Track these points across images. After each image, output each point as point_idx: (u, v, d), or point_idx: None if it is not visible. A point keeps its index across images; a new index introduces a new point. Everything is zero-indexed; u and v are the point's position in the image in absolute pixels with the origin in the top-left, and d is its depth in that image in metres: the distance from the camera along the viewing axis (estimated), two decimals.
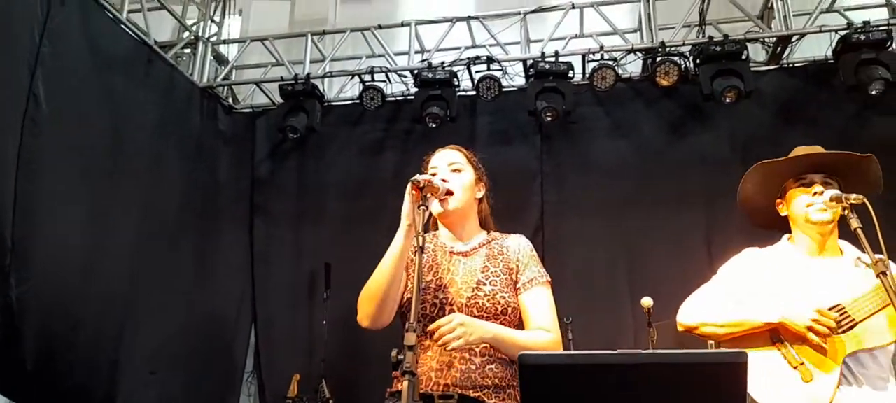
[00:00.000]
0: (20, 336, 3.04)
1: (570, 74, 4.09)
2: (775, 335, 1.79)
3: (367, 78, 4.37)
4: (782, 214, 1.98)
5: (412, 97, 4.36)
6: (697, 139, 4.24)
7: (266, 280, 4.56)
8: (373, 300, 1.65)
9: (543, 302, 1.72)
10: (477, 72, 4.27)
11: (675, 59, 3.98)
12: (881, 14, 4.14)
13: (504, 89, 4.22)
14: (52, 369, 3.22)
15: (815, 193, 1.86)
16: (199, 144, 4.48)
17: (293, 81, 4.38)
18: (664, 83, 3.99)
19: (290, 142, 4.65)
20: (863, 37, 3.76)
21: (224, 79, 4.76)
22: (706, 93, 3.89)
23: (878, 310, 1.70)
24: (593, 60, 4.16)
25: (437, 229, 1.87)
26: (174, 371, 4.00)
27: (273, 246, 4.62)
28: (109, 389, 3.60)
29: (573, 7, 4.39)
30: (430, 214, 1.66)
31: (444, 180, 1.75)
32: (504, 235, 1.87)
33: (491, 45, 4.42)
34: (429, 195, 1.62)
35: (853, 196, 1.68)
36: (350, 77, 4.62)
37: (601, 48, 4.17)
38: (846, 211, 1.69)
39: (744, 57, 3.91)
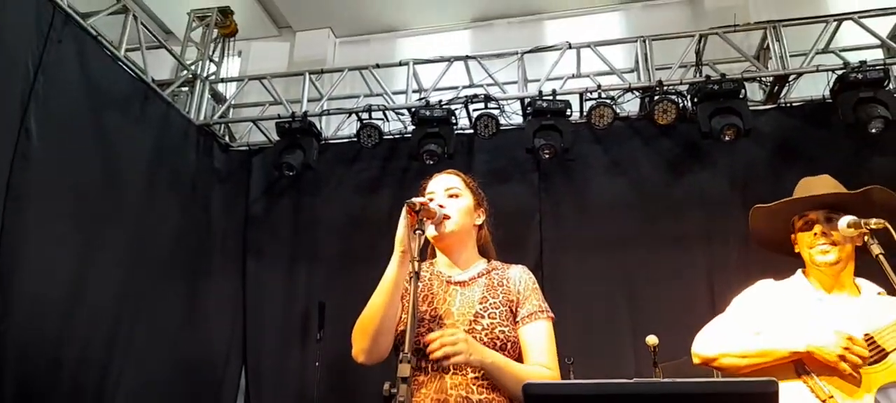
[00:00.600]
0: None
1: (568, 112, 4.08)
2: (800, 366, 1.66)
3: (365, 116, 4.36)
4: (796, 249, 1.90)
5: (409, 135, 4.34)
6: (696, 178, 4.21)
7: (258, 320, 4.45)
8: (366, 333, 1.56)
9: (543, 338, 1.62)
10: (474, 110, 4.26)
11: (673, 97, 3.97)
12: (876, 54, 4.17)
13: (501, 127, 4.20)
14: (34, 399, 3.09)
15: (815, 235, 1.79)
16: (194, 182, 4.42)
17: (290, 119, 4.36)
18: (662, 121, 3.97)
19: (285, 181, 4.61)
20: (860, 76, 3.77)
21: (221, 117, 4.73)
22: (704, 132, 3.87)
23: None
24: (591, 99, 4.16)
25: (434, 257, 1.80)
26: None
27: (266, 285, 4.53)
28: None
29: (570, 47, 4.42)
30: (427, 240, 1.59)
31: (440, 205, 1.68)
32: (505, 265, 1.78)
33: (488, 85, 4.42)
34: (424, 219, 1.56)
35: (874, 221, 1.58)
36: (347, 115, 4.61)
37: (598, 87, 4.17)
38: (867, 238, 1.58)
39: (741, 95, 3.91)
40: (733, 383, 1.02)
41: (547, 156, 3.98)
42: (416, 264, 1.38)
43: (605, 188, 4.29)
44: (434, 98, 4.35)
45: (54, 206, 3.31)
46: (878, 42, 4.13)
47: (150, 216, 3.95)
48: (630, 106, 4.35)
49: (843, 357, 1.56)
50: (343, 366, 3.78)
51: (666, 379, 1.04)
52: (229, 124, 4.92)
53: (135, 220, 3.83)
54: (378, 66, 4.63)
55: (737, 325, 1.81)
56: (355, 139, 4.38)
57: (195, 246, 4.33)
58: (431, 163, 4.07)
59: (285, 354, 4.29)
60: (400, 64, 4.62)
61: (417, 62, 4.59)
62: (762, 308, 1.81)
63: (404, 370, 1.09)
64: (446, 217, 1.67)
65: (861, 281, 1.81)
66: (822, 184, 1.88)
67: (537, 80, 4.34)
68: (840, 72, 3.89)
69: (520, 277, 1.72)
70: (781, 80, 4.14)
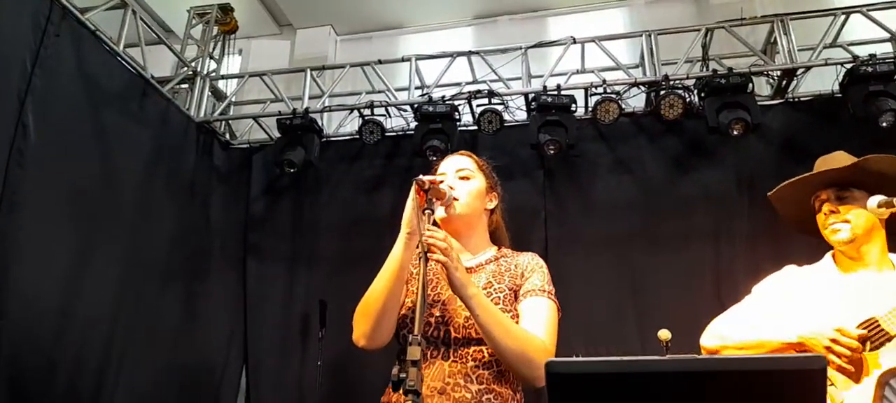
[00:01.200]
0: None
1: (573, 108, 4.01)
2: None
3: (367, 112, 4.30)
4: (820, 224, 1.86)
5: (412, 132, 4.28)
6: (702, 175, 4.14)
7: (258, 321, 4.39)
8: (369, 316, 1.50)
9: (540, 312, 1.53)
10: (478, 105, 4.20)
11: (680, 91, 3.91)
12: (885, 48, 4.11)
13: (505, 124, 4.15)
14: None
15: (825, 214, 1.76)
16: (193, 180, 4.36)
17: (291, 116, 4.31)
18: (669, 116, 3.91)
19: (286, 179, 4.55)
20: (870, 69, 3.70)
21: (221, 114, 4.68)
22: (712, 126, 3.81)
23: None
24: (596, 94, 4.10)
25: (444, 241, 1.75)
26: None
27: (266, 285, 4.46)
28: None
29: (574, 42, 4.36)
30: (435, 222, 1.54)
31: (451, 187, 1.63)
32: (516, 253, 1.71)
33: (492, 81, 4.36)
34: (433, 199, 1.50)
35: None
36: (349, 112, 4.55)
37: (603, 82, 4.11)
38: None
39: (749, 89, 3.85)
40: (777, 359, 0.95)
41: (552, 151, 3.92)
42: (424, 244, 1.34)
43: (611, 185, 4.23)
44: (437, 94, 4.30)
45: (51, 203, 3.24)
46: (887, 35, 4.07)
47: (148, 214, 3.89)
48: (635, 101, 4.29)
49: (829, 349, 1.53)
50: (345, 365, 3.72)
51: (703, 356, 0.98)
52: (230, 121, 4.87)
53: (133, 218, 3.77)
54: (380, 62, 4.57)
55: (742, 315, 1.78)
56: (357, 136, 4.32)
57: (194, 244, 4.26)
58: (434, 159, 4.01)
59: (286, 354, 4.23)
60: (402, 60, 4.56)
61: (420, 58, 4.53)
62: (778, 294, 1.78)
63: (414, 352, 1.03)
64: (455, 198, 1.62)
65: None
66: (835, 161, 1.82)
67: (541, 76, 4.28)
68: (849, 65, 3.83)
69: (528, 262, 1.66)
70: (789, 75, 4.08)
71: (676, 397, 0.84)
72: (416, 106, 4.22)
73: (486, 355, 1.49)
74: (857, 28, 4.22)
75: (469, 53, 4.52)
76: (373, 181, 4.52)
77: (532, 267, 1.63)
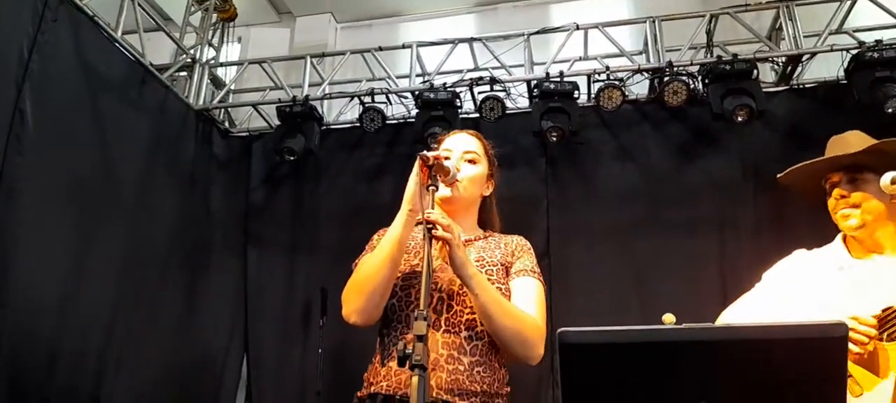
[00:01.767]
0: None
1: (576, 95, 3.98)
2: None
3: (367, 99, 4.26)
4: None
5: (413, 120, 4.25)
6: (707, 162, 4.11)
7: (259, 310, 4.37)
8: (363, 292, 1.48)
9: (531, 292, 1.56)
10: (480, 92, 4.16)
11: (684, 78, 3.87)
12: (891, 34, 4.06)
13: (507, 111, 4.11)
14: (29, 398, 3.00)
15: (835, 199, 1.71)
16: (193, 169, 4.33)
17: (291, 103, 4.27)
18: (673, 103, 3.87)
19: (286, 167, 4.52)
20: (876, 55, 3.66)
21: (221, 101, 4.64)
22: (716, 113, 3.77)
23: None
24: (599, 80, 4.06)
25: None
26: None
27: (267, 274, 4.44)
28: None
29: (577, 28, 4.31)
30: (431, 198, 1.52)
31: (457, 168, 1.61)
32: (503, 235, 1.74)
33: (494, 68, 4.32)
34: (437, 175, 1.48)
35: None
36: (349, 99, 4.51)
37: (607, 69, 4.07)
38: None
39: (754, 76, 3.81)
40: (796, 327, 0.92)
41: (554, 138, 3.88)
42: (427, 221, 1.33)
43: (614, 174, 4.19)
44: (438, 81, 4.26)
45: (49, 192, 3.21)
46: (893, 21, 4.01)
47: (148, 202, 3.86)
48: (639, 88, 4.24)
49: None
50: (346, 353, 3.70)
51: (721, 325, 0.96)
52: (229, 109, 4.83)
53: (133, 207, 3.74)
54: (380, 48, 4.52)
55: (754, 303, 1.74)
56: (358, 124, 4.29)
57: (195, 233, 4.24)
58: (435, 146, 3.97)
59: (287, 342, 4.21)
60: (403, 46, 4.52)
61: (421, 45, 4.49)
62: (787, 281, 1.74)
63: (420, 327, 1.01)
64: (458, 180, 1.60)
65: None
66: (847, 142, 1.77)
67: (543, 63, 4.23)
68: (855, 51, 3.79)
69: (518, 242, 1.69)
70: (794, 61, 4.04)
71: (690, 367, 0.82)
72: (417, 93, 4.18)
73: (478, 328, 1.50)
74: (863, 14, 4.16)
75: (470, 40, 4.47)
76: (373, 169, 4.48)
77: (522, 249, 1.67)
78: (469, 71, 4.42)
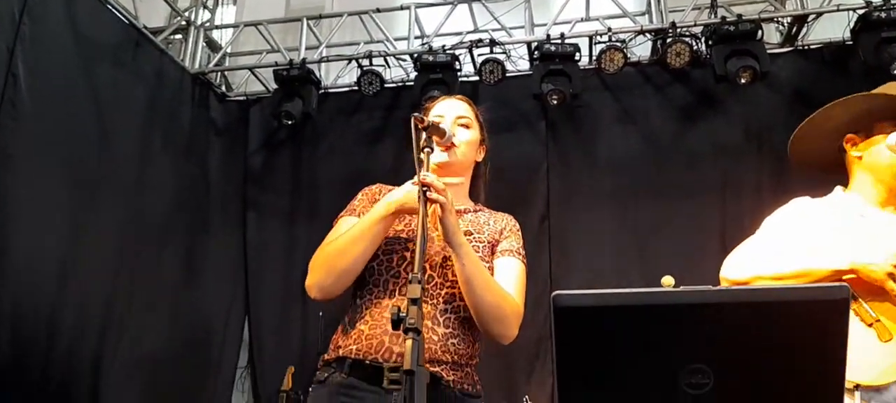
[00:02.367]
0: None
1: (577, 57, 3.91)
2: None
3: (365, 62, 4.20)
4: (853, 154, 1.72)
5: (411, 83, 4.19)
6: (709, 125, 4.07)
7: (260, 274, 4.38)
8: (332, 270, 1.46)
9: (515, 274, 1.55)
10: (479, 55, 4.09)
11: (687, 39, 3.81)
12: None
13: (507, 74, 4.05)
14: (30, 370, 3.03)
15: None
16: (190, 134, 4.29)
17: (288, 66, 4.21)
18: (676, 65, 3.81)
19: (284, 132, 4.48)
20: (883, 15, 3.59)
21: (217, 65, 4.57)
22: (719, 75, 3.72)
23: None
24: (600, 42, 3.99)
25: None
26: (163, 369, 3.80)
27: (267, 239, 4.44)
28: (93, 390, 3.40)
29: None
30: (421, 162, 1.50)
31: (452, 131, 1.59)
32: (493, 211, 1.70)
33: (494, 29, 4.24)
34: (432, 137, 1.46)
35: None
36: (347, 62, 4.45)
37: (609, 30, 3.99)
38: None
39: (759, 37, 3.74)
40: (795, 290, 0.91)
41: (555, 102, 3.84)
42: (423, 178, 1.31)
43: (615, 137, 4.15)
44: (437, 43, 4.19)
45: (45, 159, 3.18)
46: None
47: (146, 168, 3.84)
48: (641, 50, 4.18)
49: (892, 276, 1.42)
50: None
51: (719, 288, 0.94)
52: (225, 73, 4.76)
53: (131, 173, 3.72)
54: (378, 10, 4.44)
55: (769, 245, 1.66)
56: (356, 88, 4.23)
57: (193, 199, 4.22)
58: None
59: (288, 306, 4.23)
60: (401, 8, 4.43)
61: (419, 6, 4.40)
62: (797, 228, 1.66)
63: (414, 291, 0.99)
64: (454, 144, 1.58)
65: None
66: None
67: (544, 24, 4.16)
68: (861, 11, 3.71)
69: (506, 221, 1.66)
70: (800, 21, 3.96)
71: (688, 330, 0.80)
72: (415, 55, 4.12)
73: (456, 301, 1.48)
74: None
75: (470, 1, 4.39)
76: (372, 133, 4.44)
77: (510, 228, 1.64)
78: (468, 33, 4.35)
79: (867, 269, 1.46)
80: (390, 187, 1.63)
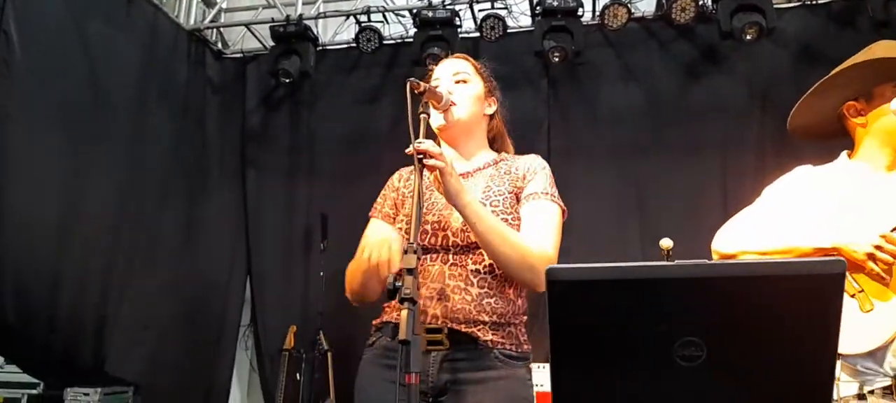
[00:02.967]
0: None
1: (580, 12, 3.83)
2: None
3: (363, 18, 4.11)
4: (855, 121, 1.67)
5: (411, 40, 4.12)
6: (713, 83, 4.00)
7: (260, 233, 4.40)
8: (366, 287, 1.45)
9: (542, 216, 1.48)
10: (480, 10, 4.01)
11: None
12: None
13: (509, 30, 3.97)
14: (34, 326, 3.08)
15: None
16: (186, 92, 4.24)
17: (285, 23, 4.13)
18: (680, 20, 3.73)
19: (282, 90, 4.43)
20: None
21: (212, 21, 4.48)
22: (725, 31, 3.64)
23: None
24: None
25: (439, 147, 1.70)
26: (166, 328, 3.86)
27: (266, 198, 4.44)
28: (97, 347, 3.46)
29: None
30: (432, 133, 1.48)
31: (448, 92, 1.56)
32: (517, 157, 1.64)
33: None
34: (429, 102, 1.43)
35: None
36: (345, 18, 4.36)
37: None
38: None
39: None
40: (791, 263, 0.90)
41: (557, 59, 3.77)
42: (417, 147, 1.29)
43: (617, 95, 4.10)
44: None
45: (40, 116, 3.16)
46: None
47: (143, 127, 3.81)
48: (645, 5, 4.08)
49: (871, 257, 1.41)
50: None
51: (712, 262, 0.94)
52: (221, 30, 4.68)
53: (127, 131, 3.69)
54: None
55: (762, 217, 1.65)
56: (354, 44, 4.16)
57: (192, 158, 4.21)
58: (434, 67, 3.87)
59: (290, 266, 4.27)
60: None
61: None
62: (797, 197, 1.64)
63: (410, 261, 0.99)
64: (452, 103, 1.54)
65: None
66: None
67: None
68: None
69: (529, 163, 1.59)
70: None
71: (683, 304, 0.80)
72: (414, 11, 4.03)
73: (485, 260, 1.46)
74: None
75: None
76: (371, 91, 4.39)
77: (534, 169, 1.57)
78: None
79: (848, 249, 1.44)
80: (410, 173, 1.60)
